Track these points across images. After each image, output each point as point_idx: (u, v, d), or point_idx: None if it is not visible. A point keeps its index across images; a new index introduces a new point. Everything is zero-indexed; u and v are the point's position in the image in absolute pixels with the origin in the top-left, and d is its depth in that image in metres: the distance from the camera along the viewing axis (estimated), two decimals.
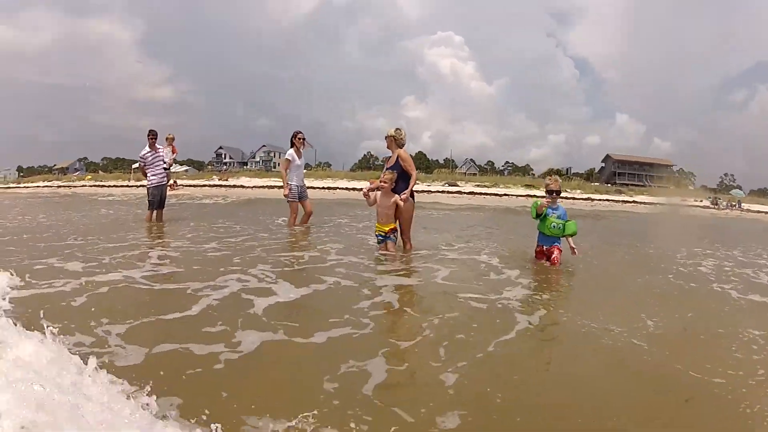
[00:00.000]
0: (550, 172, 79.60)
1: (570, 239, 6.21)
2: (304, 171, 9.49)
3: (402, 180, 6.64)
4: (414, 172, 6.73)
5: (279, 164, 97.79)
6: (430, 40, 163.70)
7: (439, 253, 6.74)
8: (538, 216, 6.23)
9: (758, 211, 36.19)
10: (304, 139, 9.05)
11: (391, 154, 6.96)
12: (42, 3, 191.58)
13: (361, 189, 6.75)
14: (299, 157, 9.08)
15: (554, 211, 6.22)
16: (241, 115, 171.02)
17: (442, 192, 34.89)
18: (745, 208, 38.43)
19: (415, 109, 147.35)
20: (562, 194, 6.26)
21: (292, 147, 9.00)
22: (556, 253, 6.08)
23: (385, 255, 6.30)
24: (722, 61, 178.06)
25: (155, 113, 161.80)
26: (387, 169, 6.77)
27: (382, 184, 6.56)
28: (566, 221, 6.16)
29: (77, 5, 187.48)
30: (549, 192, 6.23)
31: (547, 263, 6.06)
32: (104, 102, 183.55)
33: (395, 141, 6.86)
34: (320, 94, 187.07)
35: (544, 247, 6.23)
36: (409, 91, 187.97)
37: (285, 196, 8.99)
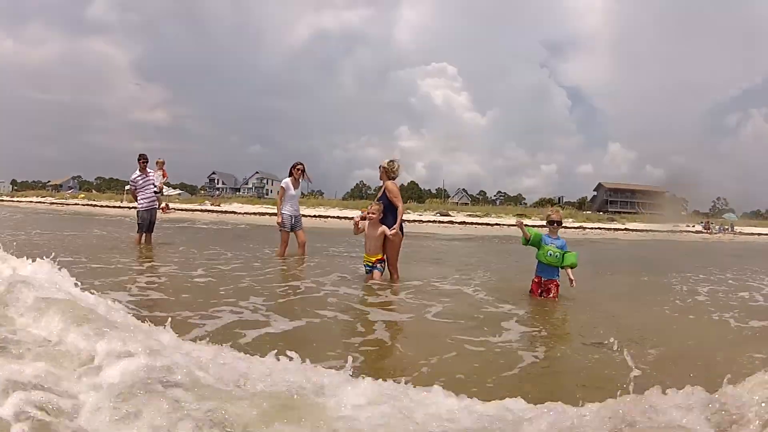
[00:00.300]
0: (542, 202, 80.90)
1: (569, 271, 5.95)
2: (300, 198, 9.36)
3: (389, 211, 6.69)
4: (400, 204, 6.78)
5: (272, 191, 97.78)
6: (424, 71, 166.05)
7: (429, 284, 6.66)
8: (527, 242, 6.07)
9: (751, 233, 36.50)
10: (303, 170, 8.96)
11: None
12: (42, 18, 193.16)
13: (352, 218, 6.71)
14: (295, 187, 8.97)
15: (553, 242, 6.02)
16: (235, 142, 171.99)
17: (434, 222, 34.92)
18: (737, 231, 38.65)
19: (409, 140, 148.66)
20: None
21: (290, 176, 8.92)
22: (554, 290, 5.89)
23: (374, 284, 6.30)
24: (714, 87, 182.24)
25: (150, 136, 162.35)
26: (376, 200, 6.87)
27: (370, 215, 6.61)
28: (566, 252, 5.96)
29: (76, 23, 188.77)
30: (550, 222, 6.10)
31: (543, 297, 5.87)
32: (101, 122, 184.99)
33: (386, 173, 6.91)
34: (314, 123, 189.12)
35: (543, 279, 5.97)
36: (403, 122, 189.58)
37: (278, 224, 8.86)
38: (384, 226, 6.57)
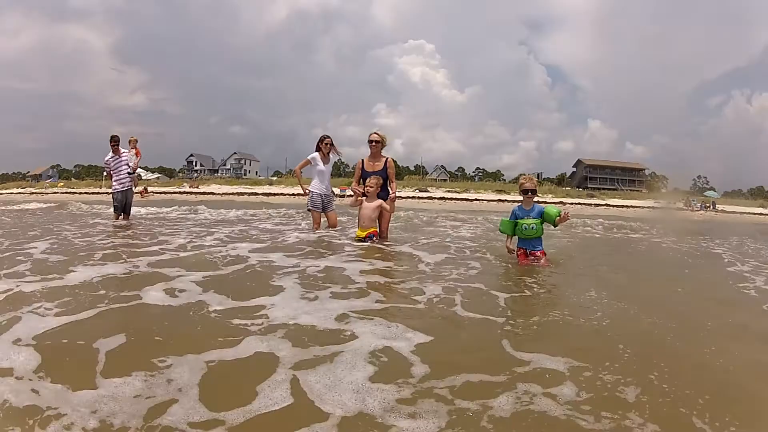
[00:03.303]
0: (521, 177, 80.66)
1: (560, 217, 5.50)
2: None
3: (381, 187, 6.88)
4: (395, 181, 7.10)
5: (249, 171, 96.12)
6: (402, 48, 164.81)
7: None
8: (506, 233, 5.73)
9: (733, 212, 37.27)
10: (331, 143, 8.04)
11: (367, 158, 7.12)
12: (21, 6, 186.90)
13: (345, 194, 6.86)
14: (325, 162, 8.01)
15: (528, 213, 5.59)
16: (214, 123, 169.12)
17: (413, 198, 35.13)
18: (719, 209, 39.35)
19: (386, 117, 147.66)
20: (536, 199, 5.93)
21: (317, 151, 8.01)
22: (543, 258, 5.45)
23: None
24: (698, 67, 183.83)
25: (129, 120, 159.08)
26: (373, 173, 6.89)
27: (368, 188, 6.70)
28: (543, 212, 5.54)
29: (54, 10, 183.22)
30: (524, 191, 5.60)
31: (535, 263, 5.40)
32: (78, 109, 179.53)
33: (383, 146, 7.08)
34: (292, 101, 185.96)
35: (527, 251, 5.54)
36: (381, 99, 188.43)
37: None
38: (380, 200, 6.76)
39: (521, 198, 5.68)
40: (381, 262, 5.34)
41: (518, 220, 5.63)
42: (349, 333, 2.79)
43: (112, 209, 10.64)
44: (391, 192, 6.95)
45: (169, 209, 15.82)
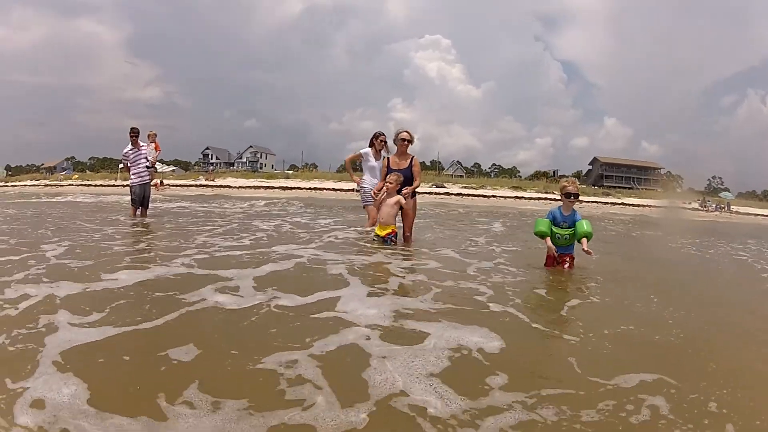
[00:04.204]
0: (537, 175, 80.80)
1: (585, 239, 5.13)
2: None
3: (402, 185, 6.67)
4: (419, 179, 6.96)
5: (266, 165, 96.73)
6: (418, 44, 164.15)
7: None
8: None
9: (747, 213, 36.63)
10: (386, 141, 7.85)
11: (393, 156, 6.97)
12: (30, 2, 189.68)
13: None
14: (376, 158, 7.85)
15: (565, 219, 5.23)
16: (229, 117, 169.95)
17: (429, 193, 34.89)
18: (734, 210, 38.77)
19: (402, 112, 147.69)
20: (551, 197, 5.57)
21: (370, 147, 7.91)
22: (569, 262, 5.23)
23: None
24: (712, 66, 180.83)
25: (143, 114, 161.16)
26: (395, 171, 6.72)
27: (388, 184, 6.53)
28: (576, 221, 5.21)
29: (66, 4, 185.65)
30: (566, 195, 5.22)
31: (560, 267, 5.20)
32: (92, 102, 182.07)
33: (411, 144, 6.93)
34: (307, 96, 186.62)
35: (556, 254, 5.25)
36: (397, 94, 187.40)
37: (357, 190, 7.79)
38: (399, 196, 6.50)
39: (555, 197, 5.37)
40: (430, 262, 5.35)
41: (553, 227, 5.24)
42: (418, 332, 2.81)
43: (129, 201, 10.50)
44: (406, 189, 6.65)
45: (196, 204, 15.89)
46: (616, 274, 5.41)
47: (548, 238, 5.23)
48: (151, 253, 5.61)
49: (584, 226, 5.15)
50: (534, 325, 3.12)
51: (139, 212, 10.20)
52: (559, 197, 5.44)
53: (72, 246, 5.82)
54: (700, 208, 37.20)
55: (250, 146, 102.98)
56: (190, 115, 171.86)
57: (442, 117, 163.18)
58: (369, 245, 6.23)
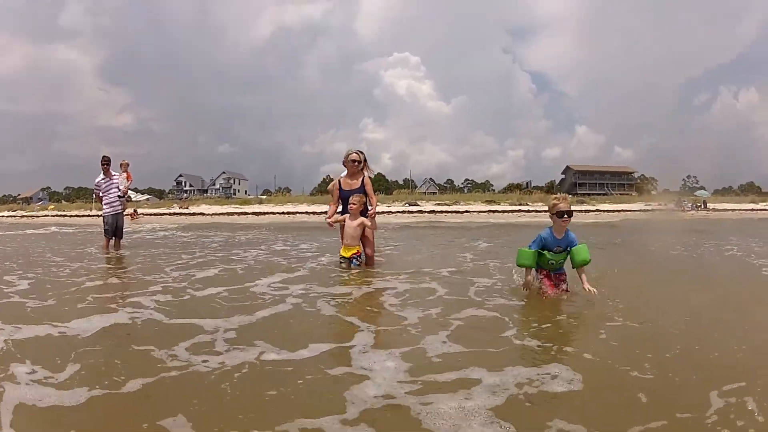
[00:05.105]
0: (510, 187, 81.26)
1: (584, 275, 4.50)
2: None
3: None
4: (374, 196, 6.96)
5: (239, 191, 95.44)
6: (387, 62, 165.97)
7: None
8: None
9: (724, 210, 37.38)
10: (365, 161, 7.28)
11: (344, 178, 6.92)
12: (6, 28, 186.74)
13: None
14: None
15: (559, 243, 4.55)
16: (203, 142, 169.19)
17: (403, 212, 35.10)
18: (710, 207, 39.26)
19: (374, 132, 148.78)
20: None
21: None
22: (565, 284, 4.67)
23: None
24: (682, 66, 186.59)
25: (119, 141, 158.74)
26: (352, 192, 6.74)
27: (351, 206, 6.55)
28: (572, 248, 4.56)
29: (41, 31, 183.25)
30: (558, 214, 4.48)
31: (554, 291, 4.57)
32: (67, 130, 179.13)
33: (363, 164, 6.90)
34: (280, 119, 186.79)
35: (551, 274, 4.68)
36: (368, 114, 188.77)
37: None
38: (362, 218, 6.58)
39: (551, 222, 4.63)
40: (428, 286, 5.24)
41: (544, 251, 4.56)
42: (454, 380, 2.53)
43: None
44: (370, 208, 6.69)
45: (171, 234, 15.83)
46: (640, 294, 4.93)
47: (531, 270, 4.62)
48: (124, 292, 5.22)
49: (584, 252, 4.52)
50: (586, 355, 2.93)
51: (112, 243, 10.08)
52: (548, 216, 4.70)
53: (38, 281, 5.78)
54: (675, 208, 37.57)
55: (223, 172, 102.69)
56: (165, 141, 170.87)
57: (414, 134, 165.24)
58: (353, 273, 6.24)
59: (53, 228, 21.55)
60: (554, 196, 4.79)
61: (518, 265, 4.68)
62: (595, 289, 4.36)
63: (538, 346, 3.13)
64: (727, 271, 6.94)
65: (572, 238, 4.58)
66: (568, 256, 4.59)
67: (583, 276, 4.48)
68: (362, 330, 3.52)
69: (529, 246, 4.58)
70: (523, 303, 4.48)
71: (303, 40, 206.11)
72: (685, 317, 3.95)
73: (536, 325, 3.68)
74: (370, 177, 6.99)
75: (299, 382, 2.52)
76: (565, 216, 4.45)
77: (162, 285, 5.50)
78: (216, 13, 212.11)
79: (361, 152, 6.92)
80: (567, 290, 4.62)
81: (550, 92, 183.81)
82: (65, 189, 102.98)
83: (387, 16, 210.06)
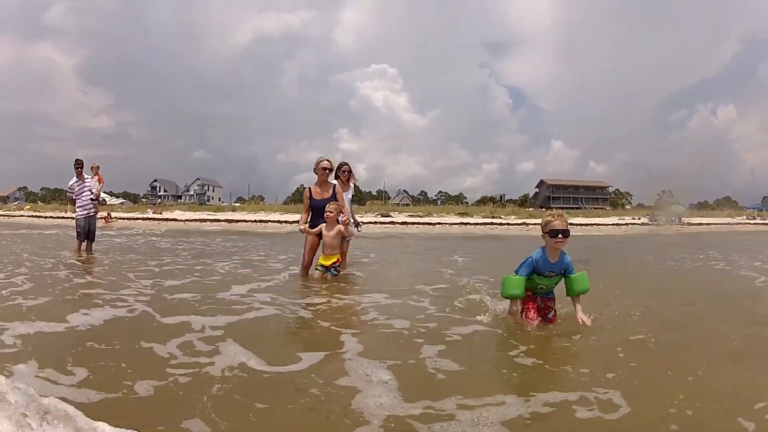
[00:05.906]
0: (484, 200, 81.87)
1: (579, 306, 4.04)
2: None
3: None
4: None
5: (213, 198, 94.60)
6: (364, 73, 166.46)
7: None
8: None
9: (699, 224, 37.31)
10: (349, 171, 7.97)
11: (314, 186, 6.96)
12: None
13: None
14: (344, 190, 7.66)
15: (552, 268, 4.02)
16: (178, 148, 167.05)
17: (375, 223, 35.42)
18: (685, 222, 38.59)
19: (349, 142, 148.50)
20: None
21: (336, 179, 7.68)
22: (553, 311, 4.21)
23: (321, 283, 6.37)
24: (660, 83, 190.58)
25: (96, 143, 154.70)
26: (324, 201, 6.77)
27: (328, 214, 6.57)
28: (570, 276, 4.09)
29: (27, 30, 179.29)
30: (552, 233, 3.93)
31: (541, 322, 4.10)
32: (45, 130, 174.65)
33: (332, 172, 7.11)
34: (256, 127, 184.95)
35: (538, 297, 4.19)
36: (343, 124, 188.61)
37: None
38: (340, 225, 6.64)
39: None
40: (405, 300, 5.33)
41: (534, 276, 4.05)
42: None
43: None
44: (342, 218, 6.80)
45: (143, 238, 15.95)
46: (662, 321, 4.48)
47: (518, 301, 4.11)
48: (96, 300, 5.10)
49: (584, 282, 4.06)
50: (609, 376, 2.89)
51: (84, 246, 10.19)
52: (541, 235, 4.12)
53: None
54: (649, 222, 37.43)
55: (198, 178, 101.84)
56: (141, 145, 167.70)
57: (390, 146, 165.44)
58: (336, 283, 6.30)
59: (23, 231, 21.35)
60: (549, 212, 4.14)
61: (504, 297, 4.13)
62: (589, 321, 3.97)
63: (533, 363, 3.21)
64: (704, 282, 7.29)
65: (568, 263, 4.07)
66: (561, 280, 4.14)
67: (578, 305, 4.03)
68: (347, 338, 3.69)
69: (517, 271, 4.09)
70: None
71: (281, 49, 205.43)
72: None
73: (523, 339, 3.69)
74: (356, 185, 7.43)
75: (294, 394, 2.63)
76: (560, 236, 3.90)
77: (138, 294, 5.52)
78: (198, 19, 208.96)
79: (330, 160, 7.00)
80: (555, 318, 4.19)
81: (526, 107, 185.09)
82: (41, 189, 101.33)
83: (367, 28, 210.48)
